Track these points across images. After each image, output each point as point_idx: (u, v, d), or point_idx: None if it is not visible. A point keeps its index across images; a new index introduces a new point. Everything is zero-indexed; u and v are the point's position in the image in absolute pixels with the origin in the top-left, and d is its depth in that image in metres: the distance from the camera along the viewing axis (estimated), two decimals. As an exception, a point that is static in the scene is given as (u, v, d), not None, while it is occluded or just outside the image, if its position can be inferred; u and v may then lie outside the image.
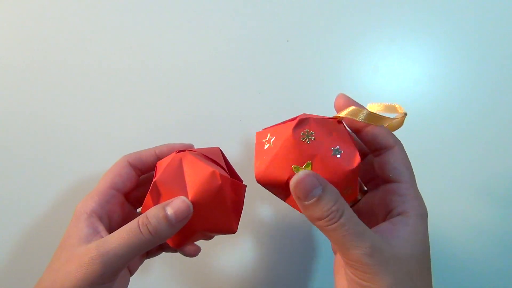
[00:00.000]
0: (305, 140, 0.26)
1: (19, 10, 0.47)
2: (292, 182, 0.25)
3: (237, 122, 0.47)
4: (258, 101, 0.47)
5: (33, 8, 0.47)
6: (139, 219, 0.27)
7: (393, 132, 0.31)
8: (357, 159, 0.26)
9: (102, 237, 0.28)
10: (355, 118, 0.28)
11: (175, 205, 0.27)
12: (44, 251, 0.45)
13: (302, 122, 0.26)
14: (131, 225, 0.27)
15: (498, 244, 0.46)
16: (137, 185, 0.34)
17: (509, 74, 0.48)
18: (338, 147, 0.26)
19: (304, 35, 0.48)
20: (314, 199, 0.25)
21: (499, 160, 0.46)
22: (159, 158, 0.33)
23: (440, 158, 0.46)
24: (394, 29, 0.49)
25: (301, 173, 0.25)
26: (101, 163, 0.46)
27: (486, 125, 0.47)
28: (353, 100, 0.30)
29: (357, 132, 0.31)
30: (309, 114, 0.28)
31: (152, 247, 0.27)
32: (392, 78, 0.48)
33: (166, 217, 0.27)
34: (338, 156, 0.26)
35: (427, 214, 0.28)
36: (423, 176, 0.46)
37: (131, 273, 0.34)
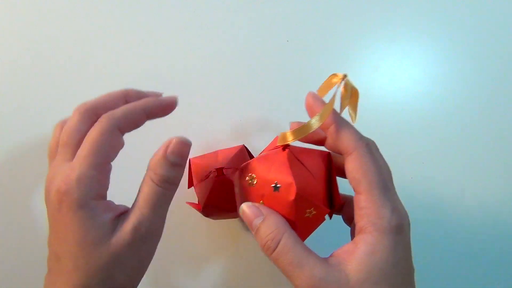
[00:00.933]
0: (251, 184, 0.28)
1: (18, 6, 0.47)
2: (239, 212, 0.27)
3: (237, 122, 0.47)
4: (258, 101, 0.47)
5: (32, 3, 0.47)
6: (151, 177, 0.27)
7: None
8: (293, 189, 0.26)
9: (123, 212, 0.27)
10: (306, 134, 0.27)
11: (175, 148, 0.27)
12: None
13: (244, 168, 0.29)
14: (150, 186, 0.26)
15: (498, 243, 0.46)
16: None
17: (509, 74, 0.48)
18: (275, 182, 0.27)
19: (304, 35, 0.48)
20: (256, 228, 0.26)
21: (499, 160, 0.47)
22: (147, 116, 0.30)
23: (440, 158, 0.46)
24: (394, 29, 0.49)
25: (244, 204, 0.27)
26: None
27: (486, 125, 0.47)
28: (321, 100, 0.28)
29: (320, 143, 0.30)
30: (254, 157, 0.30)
31: (168, 198, 0.27)
32: (392, 78, 0.48)
33: (172, 164, 0.27)
34: (278, 191, 0.27)
35: (398, 226, 0.24)
36: (423, 176, 0.46)
37: None
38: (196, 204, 0.40)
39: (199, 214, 0.39)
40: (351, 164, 0.26)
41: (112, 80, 0.47)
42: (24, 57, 0.47)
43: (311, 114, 0.28)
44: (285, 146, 0.29)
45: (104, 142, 0.26)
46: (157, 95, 0.33)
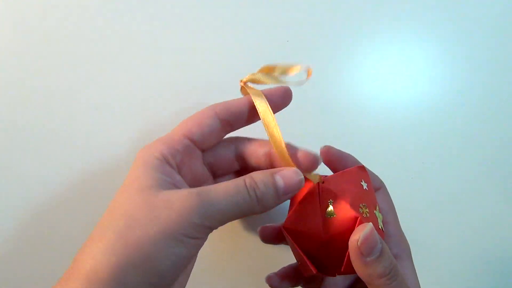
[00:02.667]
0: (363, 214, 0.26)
1: (18, 6, 0.47)
2: (360, 237, 0.23)
3: (237, 122, 0.47)
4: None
5: (32, 4, 0.47)
6: (245, 179, 0.24)
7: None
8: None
9: (181, 188, 0.24)
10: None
11: (286, 175, 0.24)
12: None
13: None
14: (237, 183, 0.23)
15: (498, 243, 0.46)
16: (215, 139, 0.29)
17: (509, 74, 0.48)
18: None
19: (304, 35, 0.48)
20: (377, 254, 0.24)
21: (499, 160, 0.47)
22: (250, 106, 0.28)
23: (440, 158, 0.46)
24: (394, 29, 0.49)
25: (369, 228, 0.24)
26: (104, 160, 0.46)
27: (487, 125, 0.47)
28: (337, 151, 0.30)
29: None
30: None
31: (248, 215, 0.24)
32: (392, 78, 0.48)
33: (275, 187, 0.24)
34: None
35: (410, 250, 0.30)
36: (423, 176, 0.46)
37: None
38: None
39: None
40: (379, 197, 0.30)
41: (112, 80, 0.47)
42: (24, 57, 0.47)
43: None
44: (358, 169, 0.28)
45: (192, 119, 0.26)
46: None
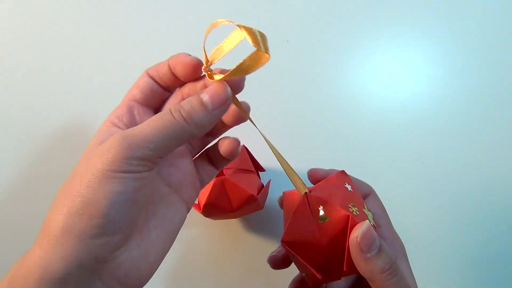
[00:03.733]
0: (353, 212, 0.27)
1: (18, 7, 0.47)
2: (359, 234, 0.25)
3: (237, 122, 0.47)
4: (258, 100, 0.47)
5: (32, 5, 0.47)
6: (170, 107, 0.24)
7: None
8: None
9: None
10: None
11: (211, 89, 0.25)
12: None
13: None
14: (162, 112, 0.24)
15: (498, 243, 0.46)
16: (160, 98, 0.29)
17: (509, 74, 0.48)
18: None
19: (304, 35, 0.48)
20: (376, 250, 0.25)
21: (500, 160, 0.47)
22: (170, 67, 0.29)
23: (440, 158, 0.46)
24: (394, 29, 0.49)
25: (366, 225, 0.25)
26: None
27: (487, 125, 0.47)
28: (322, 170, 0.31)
29: None
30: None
31: (190, 139, 0.24)
32: (391, 78, 0.48)
33: (201, 102, 0.24)
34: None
35: (405, 250, 0.30)
36: (423, 176, 0.46)
37: (188, 204, 0.29)
38: (196, 204, 0.40)
39: (199, 215, 0.39)
40: (371, 202, 0.31)
41: (112, 80, 0.47)
42: (23, 57, 0.47)
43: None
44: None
45: (134, 84, 0.29)
46: None
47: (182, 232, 0.46)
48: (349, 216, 0.25)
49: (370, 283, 0.25)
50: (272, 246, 0.46)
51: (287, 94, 0.47)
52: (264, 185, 0.40)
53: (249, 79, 0.50)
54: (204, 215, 0.39)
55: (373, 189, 0.32)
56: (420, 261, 0.44)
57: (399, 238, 0.30)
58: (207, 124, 0.24)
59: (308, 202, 0.26)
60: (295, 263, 0.29)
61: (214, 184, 0.36)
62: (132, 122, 0.27)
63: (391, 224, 0.30)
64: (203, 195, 0.37)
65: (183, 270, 0.46)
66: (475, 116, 0.47)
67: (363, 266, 0.25)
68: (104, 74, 0.47)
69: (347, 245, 0.26)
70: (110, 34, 0.48)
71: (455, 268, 0.46)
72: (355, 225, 0.26)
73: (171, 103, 0.28)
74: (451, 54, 0.48)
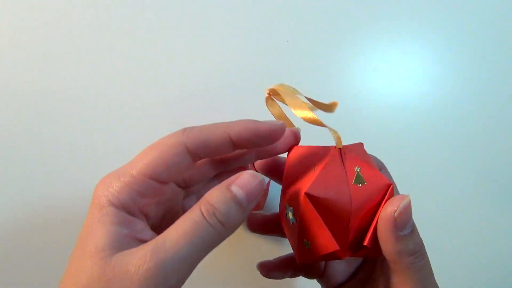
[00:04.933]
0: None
1: (19, 5, 0.47)
2: (399, 208, 0.21)
3: (237, 122, 0.47)
4: (258, 100, 0.47)
5: (32, 4, 0.47)
6: (201, 206, 0.20)
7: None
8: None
9: (144, 239, 0.21)
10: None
11: (243, 182, 0.21)
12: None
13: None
14: (193, 216, 0.20)
15: (498, 243, 0.46)
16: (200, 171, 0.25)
17: (509, 74, 0.48)
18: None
19: (304, 35, 0.48)
20: (410, 229, 0.22)
21: (500, 160, 0.46)
22: (233, 141, 0.23)
23: (440, 158, 0.46)
24: (394, 29, 0.49)
25: (408, 200, 0.22)
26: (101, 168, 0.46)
27: (487, 125, 0.47)
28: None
29: None
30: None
31: (219, 244, 0.21)
32: (391, 78, 0.48)
33: (235, 199, 0.20)
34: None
35: None
36: (424, 176, 0.46)
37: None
38: None
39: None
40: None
41: (112, 82, 0.47)
42: (23, 57, 0.47)
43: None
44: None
45: (158, 154, 0.21)
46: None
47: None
48: (390, 185, 0.22)
49: (392, 265, 0.23)
50: (272, 246, 0.46)
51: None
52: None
53: (249, 79, 0.50)
54: None
55: (384, 165, 0.29)
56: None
57: None
58: (240, 224, 0.21)
59: (342, 159, 0.23)
60: (301, 228, 0.23)
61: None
62: (149, 207, 0.22)
63: None
64: None
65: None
66: (475, 116, 0.47)
67: (391, 245, 0.22)
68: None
69: (376, 217, 0.22)
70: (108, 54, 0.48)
71: (455, 268, 0.46)
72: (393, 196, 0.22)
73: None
74: (451, 54, 0.48)
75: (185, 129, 0.22)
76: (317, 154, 0.24)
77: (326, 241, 0.22)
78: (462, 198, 0.46)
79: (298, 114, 0.24)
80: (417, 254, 0.22)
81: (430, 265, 0.23)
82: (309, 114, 0.24)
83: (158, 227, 0.24)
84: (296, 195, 0.23)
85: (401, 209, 0.21)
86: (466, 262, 0.46)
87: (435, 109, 0.47)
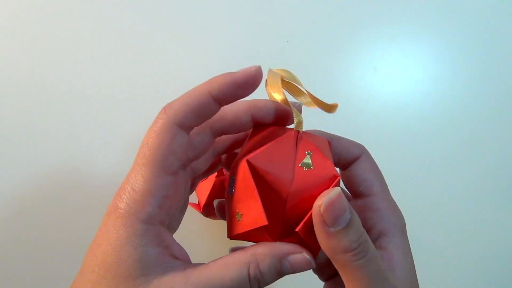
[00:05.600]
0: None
1: (18, 7, 0.47)
2: (324, 203, 0.20)
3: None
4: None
5: (32, 6, 0.47)
6: (250, 271, 0.20)
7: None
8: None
9: (174, 255, 0.21)
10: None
11: (296, 262, 0.21)
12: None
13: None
14: (240, 277, 0.20)
15: (498, 243, 0.46)
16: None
17: (509, 74, 0.48)
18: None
19: (304, 35, 0.48)
20: (343, 225, 0.20)
21: (500, 159, 0.46)
22: (216, 99, 0.22)
23: (440, 158, 0.46)
24: (394, 29, 0.49)
25: (335, 193, 0.20)
26: (102, 162, 0.46)
27: (486, 125, 0.47)
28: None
29: None
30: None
31: None
32: (392, 78, 0.48)
33: (281, 273, 0.21)
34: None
35: (405, 225, 0.25)
36: (424, 176, 0.46)
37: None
38: (196, 204, 0.40)
39: (199, 215, 0.39)
40: (361, 166, 0.26)
41: (111, 82, 0.47)
42: (22, 58, 0.47)
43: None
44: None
45: (158, 145, 0.20)
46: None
47: (182, 232, 0.46)
48: (337, 178, 0.21)
49: (333, 262, 0.21)
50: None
51: (287, 94, 0.47)
52: None
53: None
54: (204, 215, 0.39)
55: (365, 150, 0.27)
56: (419, 261, 0.44)
57: (398, 210, 0.25)
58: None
59: (297, 140, 0.22)
60: (236, 198, 0.22)
61: (214, 184, 0.36)
62: (175, 210, 0.22)
63: (388, 192, 0.25)
64: (203, 195, 0.37)
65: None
66: (475, 115, 0.47)
67: (323, 241, 0.20)
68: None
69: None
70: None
71: (456, 268, 0.46)
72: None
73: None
74: (451, 54, 0.48)
75: (165, 108, 0.22)
76: (275, 133, 0.23)
77: (257, 214, 0.21)
78: (462, 198, 0.46)
79: (272, 96, 0.24)
80: (354, 251, 0.20)
81: (380, 261, 0.21)
82: (279, 97, 0.24)
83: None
84: (238, 163, 0.22)
85: (326, 203, 0.20)
86: (466, 262, 0.46)
87: (435, 109, 0.47)
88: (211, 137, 0.23)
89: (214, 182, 0.36)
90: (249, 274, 0.20)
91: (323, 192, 0.20)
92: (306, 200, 0.21)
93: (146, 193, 0.20)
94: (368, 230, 0.24)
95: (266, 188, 0.21)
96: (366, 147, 0.28)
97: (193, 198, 0.40)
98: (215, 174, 0.36)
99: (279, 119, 0.24)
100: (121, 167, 0.45)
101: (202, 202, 0.37)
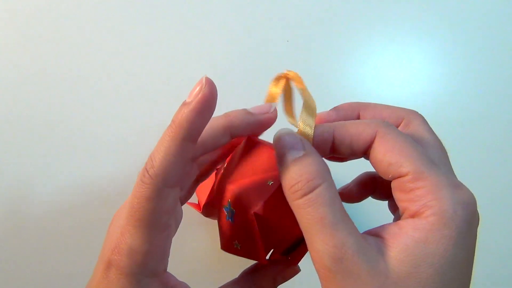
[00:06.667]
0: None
1: (18, 10, 0.47)
2: (274, 137, 0.20)
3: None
4: (258, 100, 0.47)
5: (31, 8, 0.47)
6: None
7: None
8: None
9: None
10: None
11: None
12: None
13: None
14: None
15: (498, 243, 0.46)
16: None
17: (509, 74, 0.48)
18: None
19: (304, 35, 0.48)
20: (290, 161, 0.19)
21: (500, 159, 0.46)
22: (232, 136, 0.23)
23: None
24: (394, 29, 0.49)
25: (283, 130, 0.20)
26: (103, 165, 0.46)
27: (486, 124, 0.47)
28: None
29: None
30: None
31: None
32: (392, 78, 0.48)
33: None
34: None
35: (465, 210, 0.18)
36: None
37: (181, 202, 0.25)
38: (196, 204, 0.40)
39: (199, 215, 0.39)
40: (379, 150, 0.20)
41: (111, 82, 0.47)
42: (23, 58, 0.47)
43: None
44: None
45: (150, 210, 0.19)
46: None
47: (182, 232, 0.46)
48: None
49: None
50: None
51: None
52: None
53: (249, 79, 0.50)
54: (204, 215, 0.39)
55: (382, 124, 0.20)
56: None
57: (446, 189, 0.18)
58: None
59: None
60: (237, 232, 0.23)
61: (214, 184, 0.36)
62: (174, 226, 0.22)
63: (427, 165, 0.19)
64: (203, 195, 0.37)
65: (182, 270, 0.46)
66: (475, 115, 0.47)
67: (281, 179, 0.19)
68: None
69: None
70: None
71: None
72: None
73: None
74: (451, 54, 0.48)
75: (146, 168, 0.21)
76: (271, 160, 0.22)
77: (255, 251, 0.22)
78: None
79: (302, 126, 0.23)
80: (292, 189, 0.18)
81: (328, 209, 0.18)
82: (309, 132, 0.22)
83: None
84: (242, 204, 0.22)
85: (277, 134, 0.20)
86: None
87: (435, 108, 0.47)
88: (192, 164, 0.23)
89: (214, 182, 0.36)
90: None
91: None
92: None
93: (146, 253, 0.20)
94: (402, 214, 0.19)
95: (270, 232, 0.22)
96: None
97: (193, 198, 0.40)
98: (215, 173, 0.36)
99: (256, 131, 0.24)
100: (120, 169, 0.45)
101: (202, 202, 0.37)
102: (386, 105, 0.23)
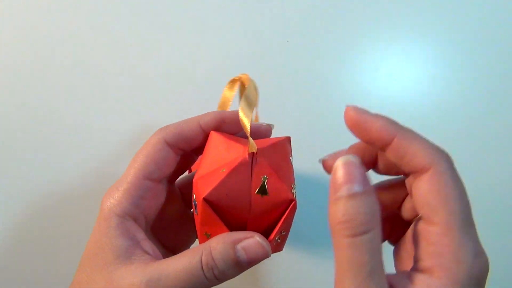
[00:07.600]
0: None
1: (17, 9, 0.47)
2: (338, 162, 0.19)
3: (237, 122, 0.47)
4: (258, 101, 0.47)
5: (30, 8, 0.47)
6: (202, 257, 0.21)
7: None
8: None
9: (144, 249, 0.23)
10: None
11: (250, 248, 0.22)
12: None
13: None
14: (192, 264, 0.21)
15: (498, 243, 0.46)
16: (178, 164, 0.27)
17: (509, 74, 0.48)
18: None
19: (304, 35, 0.48)
20: (350, 193, 0.18)
21: (500, 159, 0.46)
22: (204, 130, 0.25)
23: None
24: (394, 29, 0.49)
25: (351, 157, 0.19)
26: (101, 160, 0.45)
27: (486, 124, 0.47)
28: (364, 110, 0.24)
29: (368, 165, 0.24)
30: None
31: None
32: (392, 78, 0.48)
33: (236, 261, 0.21)
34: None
35: (479, 278, 0.18)
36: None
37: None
38: None
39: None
40: (427, 185, 0.20)
41: (111, 82, 0.47)
42: (22, 58, 0.47)
43: (360, 132, 0.24)
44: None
45: (145, 154, 0.24)
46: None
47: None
48: (293, 202, 0.22)
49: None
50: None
51: (287, 94, 0.47)
52: None
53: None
54: None
55: (440, 162, 0.21)
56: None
57: (468, 250, 0.19)
58: (233, 277, 0.22)
59: (252, 164, 0.22)
60: (201, 222, 0.24)
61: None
62: (150, 209, 0.24)
63: (458, 225, 0.20)
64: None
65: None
66: (475, 115, 0.47)
67: (328, 207, 0.19)
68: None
69: (278, 226, 0.22)
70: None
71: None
72: (294, 211, 0.22)
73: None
74: (451, 54, 0.48)
75: (162, 127, 0.25)
76: (232, 150, 0.23)
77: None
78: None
79: (241, 114, 0.24)
80: (340, 226, 0.18)
81: (369, 257, 0.18)
82: (246, 121, 0.23)
83: (159, 227, 0.27)
84: (198, 193, 0.23)
85: (339, 164, 0.19)
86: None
87: (435, 108, 0.47)
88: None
89: None
90: (201, 261, 0.21)
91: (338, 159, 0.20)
92: (266, 221, 0.23)
93: (124, 191, 0.23)
94: (416, 261, 0.20)
95: (227, 215, 0.23)
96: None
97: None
98: None
99: (230, 128, 0.26)
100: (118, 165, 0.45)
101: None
102: (422, 140, 0.22)
